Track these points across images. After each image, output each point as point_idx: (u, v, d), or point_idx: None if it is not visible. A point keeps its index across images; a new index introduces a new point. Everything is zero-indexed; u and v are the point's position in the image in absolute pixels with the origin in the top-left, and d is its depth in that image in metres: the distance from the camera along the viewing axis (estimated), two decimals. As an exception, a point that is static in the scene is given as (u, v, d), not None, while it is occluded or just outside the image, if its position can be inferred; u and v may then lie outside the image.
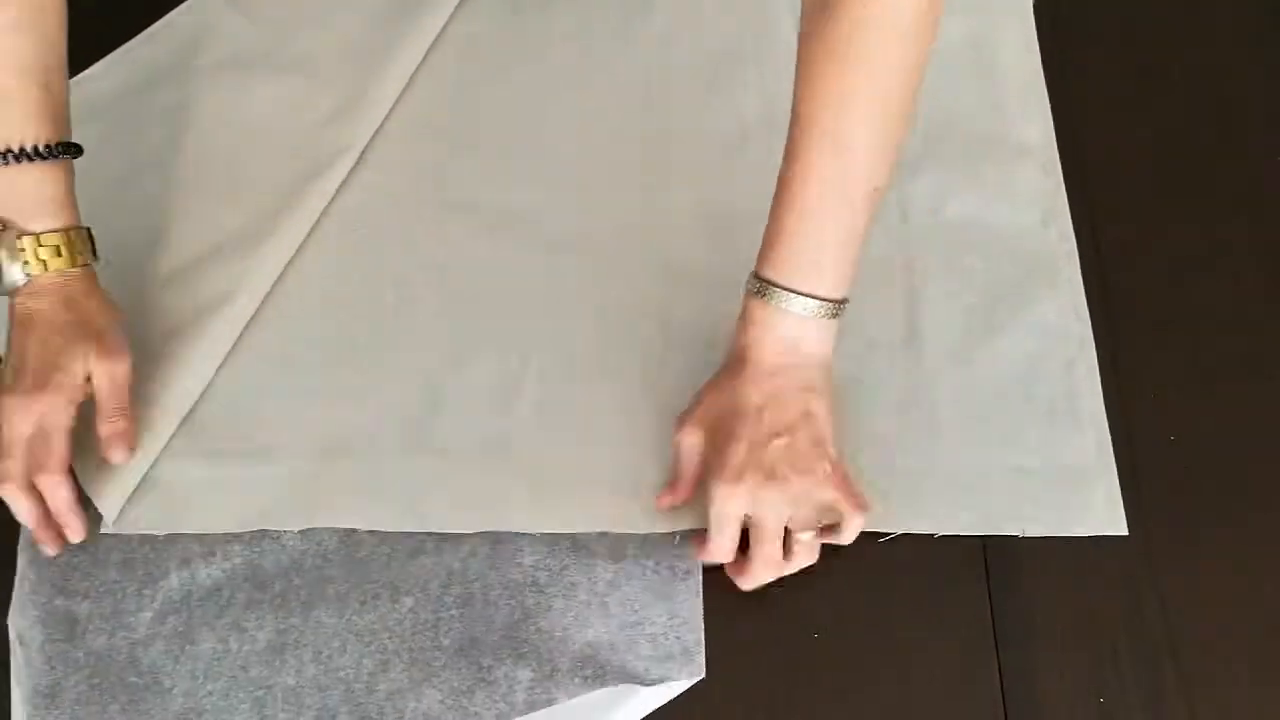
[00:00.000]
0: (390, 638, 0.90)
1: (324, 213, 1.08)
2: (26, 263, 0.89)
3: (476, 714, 0.87)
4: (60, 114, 0.92)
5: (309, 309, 1.04)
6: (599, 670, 0.87)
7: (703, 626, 0.90)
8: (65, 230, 0.91)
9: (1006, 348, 1.00)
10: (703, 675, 0.88)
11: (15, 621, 0.92)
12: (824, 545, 0.91)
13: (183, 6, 1.18)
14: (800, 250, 0.87)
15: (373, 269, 1.05)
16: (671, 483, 0.92)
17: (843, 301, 0.89)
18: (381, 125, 1.12)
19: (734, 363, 0.90)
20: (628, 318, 1.03)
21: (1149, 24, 1.17)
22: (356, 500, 0.95)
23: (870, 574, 0.92)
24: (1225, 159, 1.09)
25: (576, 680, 0.87)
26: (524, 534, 0.94)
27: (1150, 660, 0.88)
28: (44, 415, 0.88)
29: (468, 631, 0.90)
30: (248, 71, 1.15)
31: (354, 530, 0.94)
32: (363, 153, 1.11)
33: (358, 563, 0.93)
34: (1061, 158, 1.09)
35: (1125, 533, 0.92)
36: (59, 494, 0.90)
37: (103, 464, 0.94)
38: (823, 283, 0.87)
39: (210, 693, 0.89)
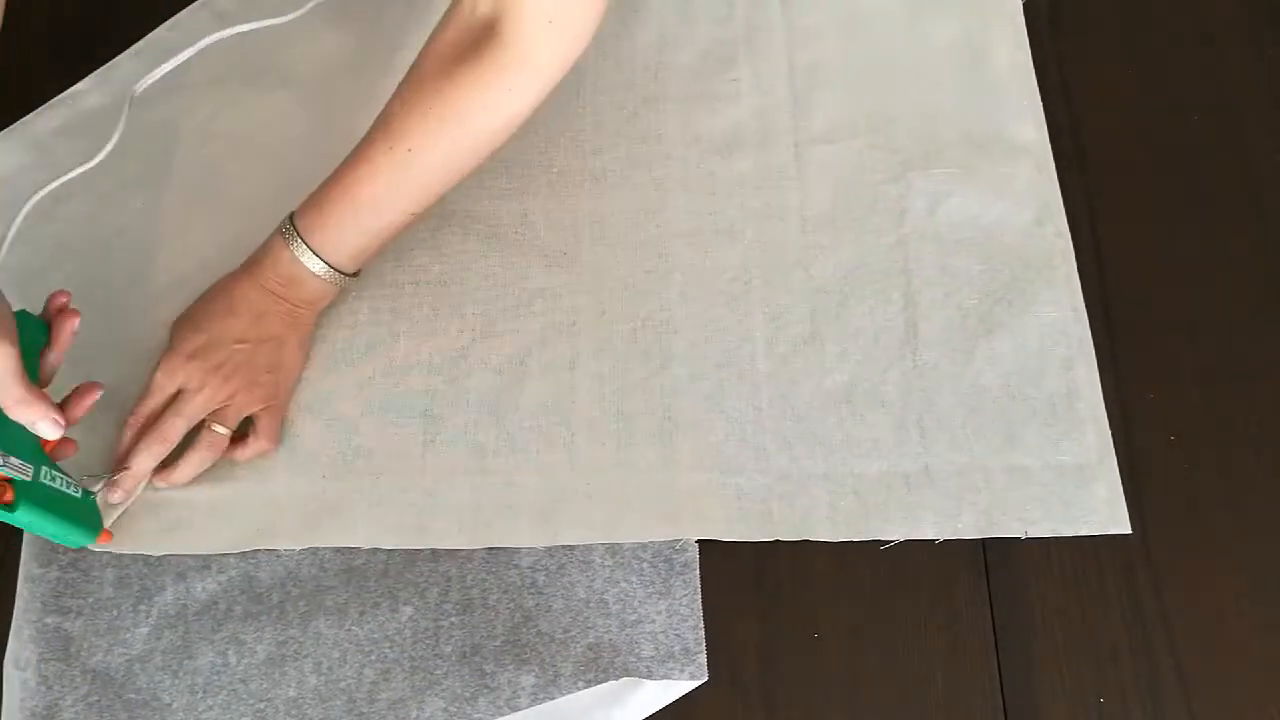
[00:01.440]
0: (391, 647, 0.94)
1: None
2: None
3: (479, 720, 0.91)
4: None
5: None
6: (601, 673, 0.91)
7: (702, 624, 0.94)
8: None
9: (1005, 348, 1.04)
10: (705, 678, 0.92)
11: (10, 646, 0.95)
12: (822, 546, 0.97)
13: (169, 22, 1.21)
14: (340, 229, 0.99)
15: (367, 282, 1.08)
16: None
17: (354, 275, 1.03)
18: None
19: (241, 270, 1.02)
20: (624, 326, 1.06)
21: (1149, 24, 1.20)
22: (355, 519, 0.99)
23: (870, 574, 0.96)
24: (1225, 159, 1.12)
25: (580, 684, 0.91)
26: (522, 538, 0.98)
27: (1150, 660, 0.93)
28: None
29: (469, 638, 0.94)
30: (236, 87, 1.18)
31: (350, 538, 0.98)
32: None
33: (355, 571, 0.97)
34: (1061, 158, 1.12)
35: (1128, 530, 0.96)
36: None
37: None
38: (341, 257, 1.00)
39: (210, 707, 0.92)
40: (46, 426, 0.86)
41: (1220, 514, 0.98)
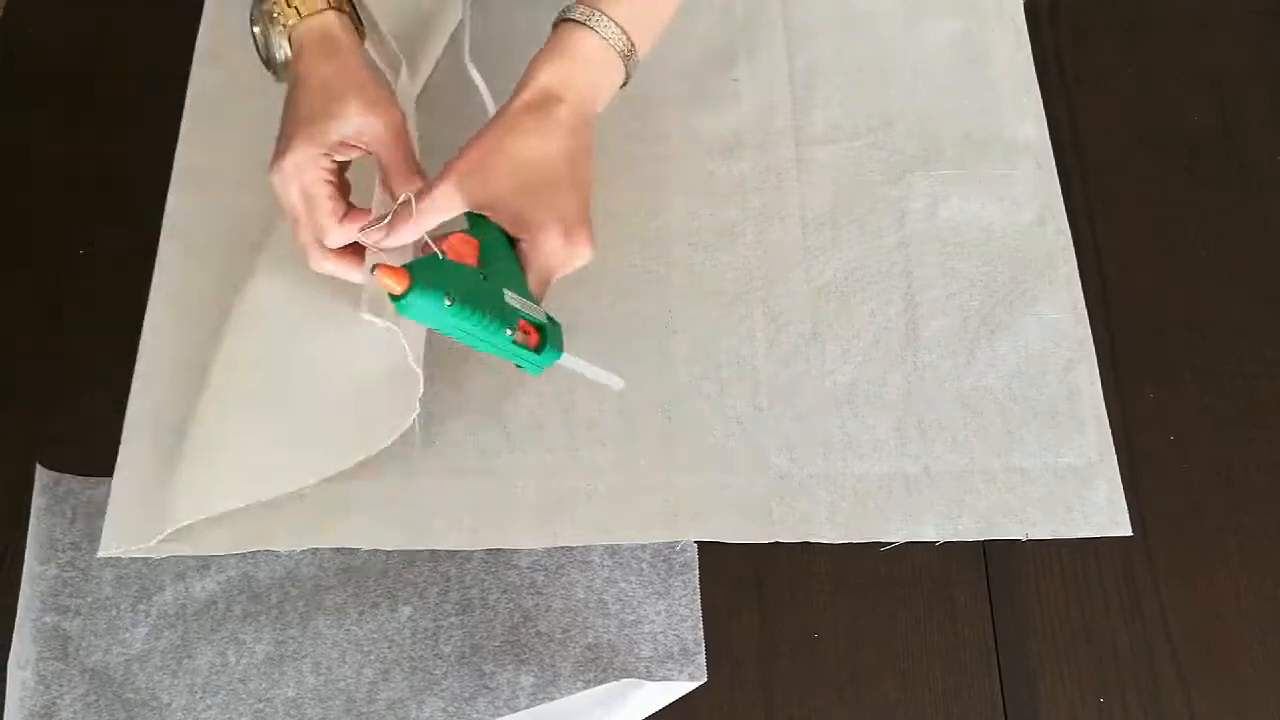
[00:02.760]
0: (390, 647, 0.94)
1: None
2: (278, 17, 0.90)
3: (479, 720, 0.92)
4: None
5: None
6: (601, 674, 0.92)
7: (701, 624, 0.94)
8: None
9: (1006, 349, 1.04)
10: (704, 679, 0.93)
11: (14, 645, 0.96)
12: (822, 546, 0.97)
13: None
14: None
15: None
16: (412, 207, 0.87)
17: (634, 55, 0.93)
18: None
19: (542, 103, 0.89)
20: (621, 329, 1.07)
21: (1149, 23, 1.20)
22: (355, 520, 0.99)
23: (870, 575, 0.97)
24: (1225, 159, 1.13)
25: (579, 685, 0.91)
26: (520, 538, 0.98)
27: (1150, 660, 0.93)
28: (302, 178, 0.88)
29: (468, 638, 0.94)
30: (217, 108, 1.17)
31: (349, 537, 0.99)
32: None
33: (354, 571, 0.97)
34: (1061, 157, 1.12)
35: (1129, 533, 0.97)
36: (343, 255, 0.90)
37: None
38: (636, 25, 0.92)
39: (209, 707, 0.93)
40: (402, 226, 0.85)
41: (1220, 514, 0.99)
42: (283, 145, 0.89)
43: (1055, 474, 1.00)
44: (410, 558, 0.98)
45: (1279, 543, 0.98)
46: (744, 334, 1.06)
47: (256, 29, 0.94)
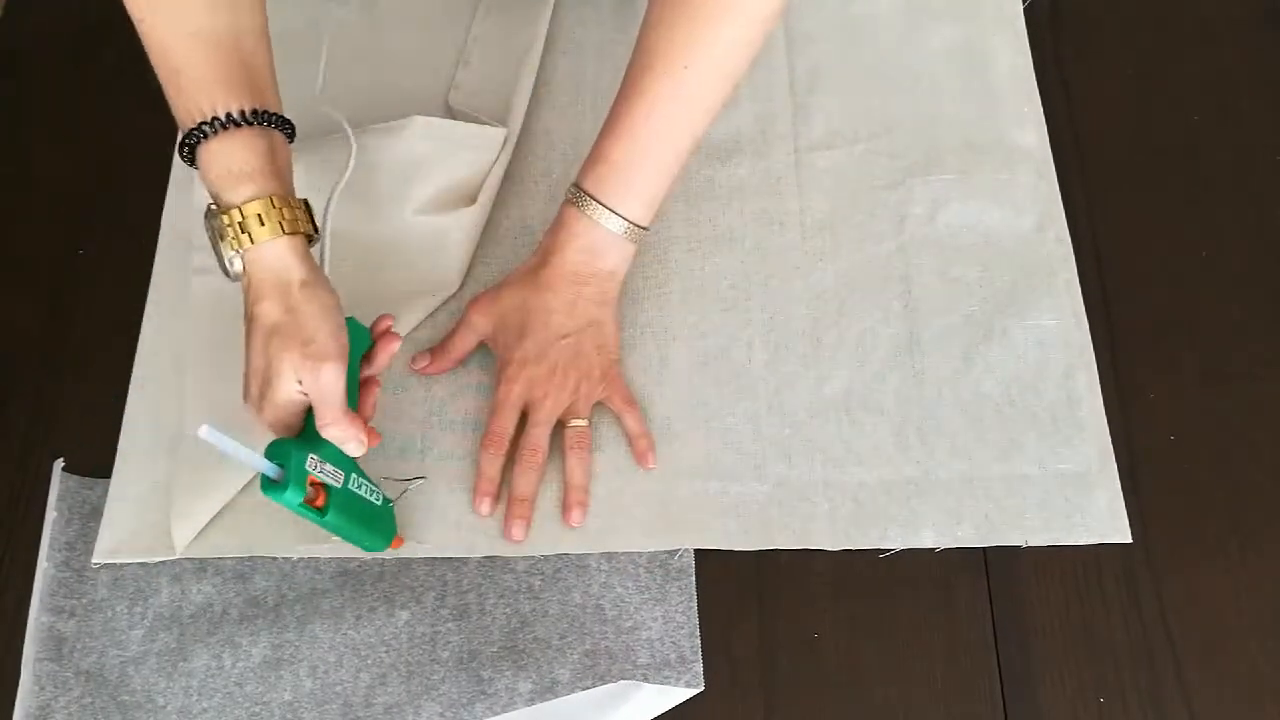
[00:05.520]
0: (387, 651, 0.94)
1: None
2: (234, 240, 0.86)
3: (476, 726, 0.92)
4: (257, 83, 0.89)
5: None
6: (598, 680, 0.92)
7: (698, 632, 0.94)
8: (267, 197, 0.86)
9: (1005, 355, 1.04)
10: (701, 687, 0.93)
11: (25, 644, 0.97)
12: (820, 550, 0.97)
13: None
14: (625, 174, 0.99)
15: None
16: (439, 348, 1.06)
17: (646, 229, 1.01)
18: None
19: (539, 263, 1.03)
20: (622, 333, 1.06)
21: (1149, 24, 1.21)
22: None
23: (870, 575, 0.97)
24: (1225, 159, 1.13)
25: (576, 691, 0.92)
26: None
27: (1150, 661, 0.93)
28: (274, 425, 0.91)
29: (466, 643, 0.94)
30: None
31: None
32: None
33: (351, 575, 0.98)
34: (1061, 158, 1.13)
35: (1129, 539, 0.97)
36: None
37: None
38: (636, 208, 1.00)
39: (205, 710, 0.93)
40: (354, 447, 0.91)
41: (1220, 514, 0.99)
42: (255, 395, 0.90)
43: (1055, 481, 1.00)
44: (407, 562, 0.98)
45: (1279, 543, 0.98)
46: (743, 339, 1.06)
47: (208, 227, 0.89)
